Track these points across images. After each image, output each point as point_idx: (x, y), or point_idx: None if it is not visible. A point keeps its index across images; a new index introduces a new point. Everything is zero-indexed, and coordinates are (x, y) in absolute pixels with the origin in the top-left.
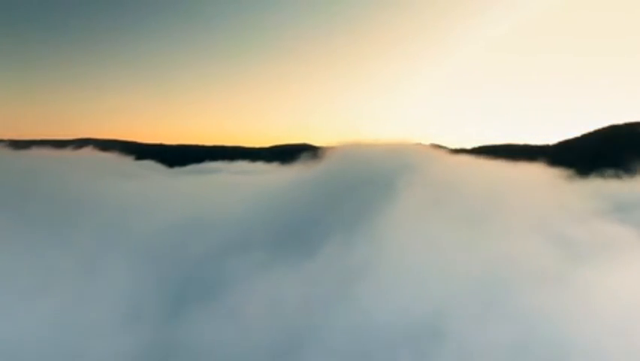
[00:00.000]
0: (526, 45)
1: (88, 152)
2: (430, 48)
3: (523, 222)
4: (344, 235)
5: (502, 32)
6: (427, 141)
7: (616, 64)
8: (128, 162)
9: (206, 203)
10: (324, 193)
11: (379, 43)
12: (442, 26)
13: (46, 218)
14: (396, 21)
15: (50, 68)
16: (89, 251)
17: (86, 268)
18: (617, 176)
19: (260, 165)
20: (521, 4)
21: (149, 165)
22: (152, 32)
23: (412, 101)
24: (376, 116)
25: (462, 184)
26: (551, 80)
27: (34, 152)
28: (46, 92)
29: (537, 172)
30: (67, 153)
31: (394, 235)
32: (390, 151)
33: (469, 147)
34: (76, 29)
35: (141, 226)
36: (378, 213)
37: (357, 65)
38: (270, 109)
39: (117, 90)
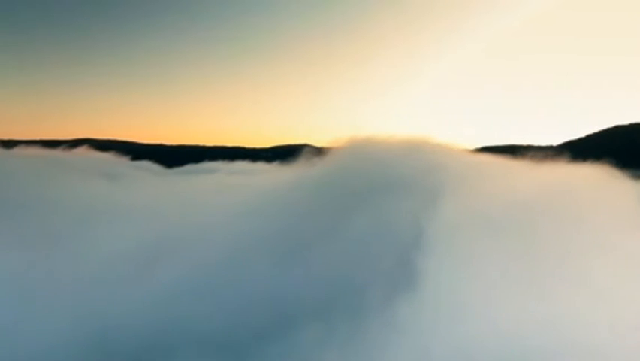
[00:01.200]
0: (527, 45)
1: (82, 152)
2: (431, 47)
3: (599, 238)
4: (375, 267)
5: (503, 32)
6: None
7: (621, 64)
8: (122, 162)
9: (194, 209)
10: (334, 199)
11: (380, 43)
12: (444, 25)
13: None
14: (397, 20)
15: (48, 68)
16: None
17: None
18: (638, 177)
19: (260, 166)
20: (527, 2)
21: (144, 165)
22: (151, 32)
23: (412, 101)
24: (377, 115)
25: (508, 190)
26: (555, 81)
27: (22, 151)
28: (43, 91)
29: (581, 173)
30: (58, 152)
31: (447, 266)
32: (404, 149)
33: (471, 147)
34: (75, 29)
35: (103, 238)
36: (416, 233)
37: (357, 64)
38: (271, 109)
39: (117, 90)
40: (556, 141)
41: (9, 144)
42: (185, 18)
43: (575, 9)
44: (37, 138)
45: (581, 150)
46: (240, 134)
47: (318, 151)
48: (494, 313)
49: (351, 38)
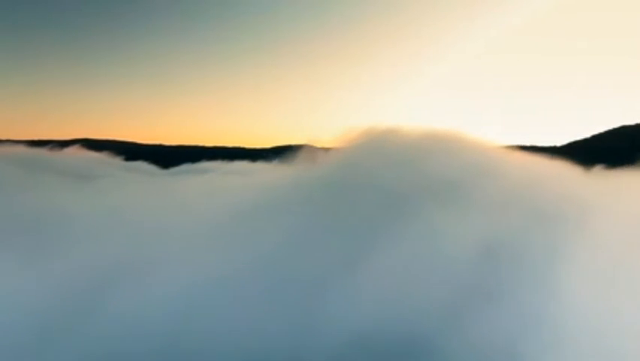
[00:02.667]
0: (532, 44)
1: (73, 151)
2: (433, 47)
3: None
4: (423, 312)
5: (505, 31)
6: None
7: (627, 64)
8: (115, 162)
9: (176, 215)
10: (349, 207)
11: (379, 43)
12: (446, 24)
13: None
14: (398, 20)
15: (47, 68)
16: None
17: None
18: None
19: (258, 165)
20: (533, 1)
21: (138, 165)
22: (150, 32)
23: (413, 102)
24: (378, 115)
25: (609, 201)
26: (559, 80)
27: (7, 149)
28: (40, 91)
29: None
30: (44, 152)
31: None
32: (433, 145)
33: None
34: (72, 28)
35: (55, 248)
36: (492, 262)
37: (357, 64)
38: (271, 109)
39: (116, 90)
40: (560, 141)
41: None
42: (185, 18)
43: (582, 8)
44: (35, 137)
45: (586, 150)
46: (239, 134)
47: (320, 151)
48: None
49: (351, 38)
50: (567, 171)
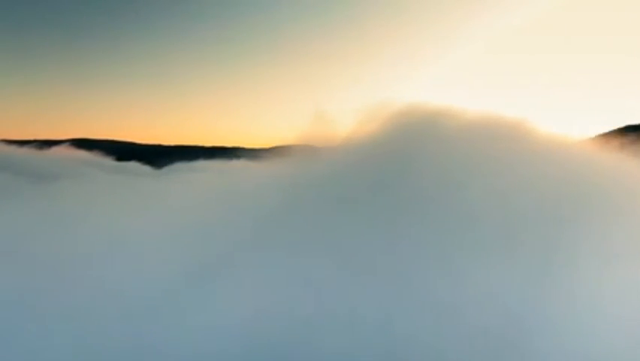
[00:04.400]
0: (535, 44)
1: (60, 150)
2: (434, 46)
3: None
4: None
5: (511, 30)
6: None
7: (632, 63)
8: (104, 162)
9: (140, 221)
10: (368, 212)
11: (380, 43)
12: (447, 24)
13: None
14: (398, 19)
15: (44, 68)
16: None
17: None
18: None
19: (255, 164)
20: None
21: (128, 166)
22: (149, 32)
23: (414, 101)
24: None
25: None
26: (563, 80)
27: None
28: (36, 91)
29: None
30: (25, 151)
31: None
32: (497, 136)
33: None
34: (71, 29)
35: None
36: None
37: (357, 65)
38: (270, 109)
39: (114, 90)
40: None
41: None
42: (184, 18)
43: (588, 8)
44: (32, 137)
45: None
46: (238, 134)
47: (323, 150)
48: None
49: (351, 38)
50: None
